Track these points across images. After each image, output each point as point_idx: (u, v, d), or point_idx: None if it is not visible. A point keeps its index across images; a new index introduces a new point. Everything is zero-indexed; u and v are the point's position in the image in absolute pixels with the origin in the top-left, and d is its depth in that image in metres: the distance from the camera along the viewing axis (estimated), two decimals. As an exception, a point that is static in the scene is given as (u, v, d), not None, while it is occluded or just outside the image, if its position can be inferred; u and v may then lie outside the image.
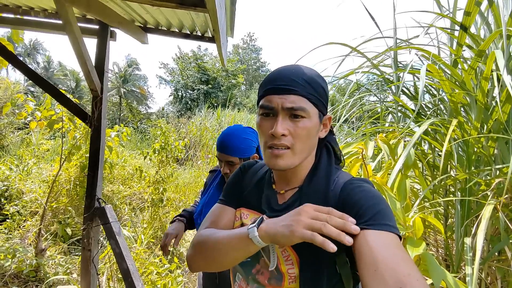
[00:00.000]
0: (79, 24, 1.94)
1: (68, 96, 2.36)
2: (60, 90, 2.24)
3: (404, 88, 1.98)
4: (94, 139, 2.12)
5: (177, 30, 2.29)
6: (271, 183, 0.73)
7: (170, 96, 22.21)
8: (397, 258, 0.48)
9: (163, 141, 3.83)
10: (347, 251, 0.59)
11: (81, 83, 28.95)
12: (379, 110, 2.23)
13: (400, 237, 0.54)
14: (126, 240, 3.03)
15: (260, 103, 0.65)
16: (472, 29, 1.62)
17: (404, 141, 1.44)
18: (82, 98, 25.01)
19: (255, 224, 0.58)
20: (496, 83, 1.28)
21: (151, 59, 57.75)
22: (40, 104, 3.09)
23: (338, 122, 2.15)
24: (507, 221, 1.25)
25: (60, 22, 2.22)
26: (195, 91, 18.88)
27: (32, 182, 4.11)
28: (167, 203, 4.15)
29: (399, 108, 1.96)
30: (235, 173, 0.82)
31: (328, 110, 0.70)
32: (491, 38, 1.30)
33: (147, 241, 3.19)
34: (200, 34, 2.26)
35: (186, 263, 2.93)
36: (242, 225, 0.72)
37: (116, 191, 4.46)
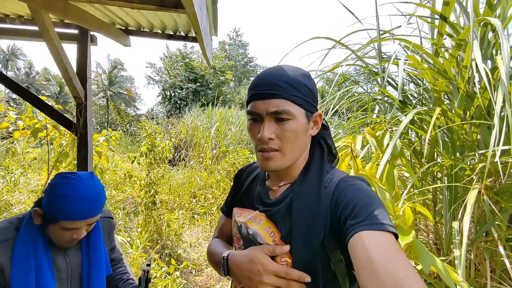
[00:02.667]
0: (58, 30, 1.88)
1: (51, 104, 2.31)
2: (41, 98, 2.18)
3: (389, 79, 2.01)
4: (81, 147, 2.08)
5: (160, 31, 2.25)
6: (265, 180, 0.75)
7: (158, 96, 21.87)
8: (393, 259, 0.47)
9: (149, 143, 3.79)
10: (342, 248, 0.59)
11: (65, 88, 28.13)
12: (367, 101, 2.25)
13: (396, 235, 0.53)
14: (121, 247, 3.00)
15: (247, 109, 0.67)
16: (452, 17, 1.65)
17: (391, 132, 1.46)
18: (67, 103, 24.33)
19: (223, 267, 0.70)
20: (475, 71, 1.31)
21: (138, 59, 56.68)
22: (21, 112, 3.01)
23: (327, 114, 2.16)
24: (491, 204, 1.30)
25: (37, 28, 2.15)
26: (184, 90, 18.62)
27: (20, 193, 4.03)
28: (160, 206, 4.12)
29: (386, 98, 1.99)
30: (232, 183, 0.88)
31: (318, 104, 0.72)
32: (469, 28, 1.32)
33: (143, 245, 3.17)
34: (184, 34, 2.23)
35: (183, 264, 2.93)
36: (235, 222, 0.76)
37: (108, 197, 4.41)
